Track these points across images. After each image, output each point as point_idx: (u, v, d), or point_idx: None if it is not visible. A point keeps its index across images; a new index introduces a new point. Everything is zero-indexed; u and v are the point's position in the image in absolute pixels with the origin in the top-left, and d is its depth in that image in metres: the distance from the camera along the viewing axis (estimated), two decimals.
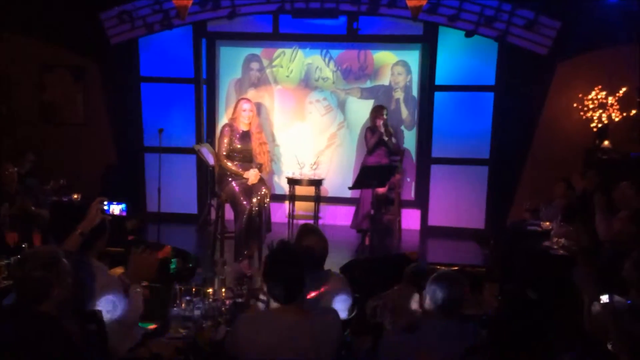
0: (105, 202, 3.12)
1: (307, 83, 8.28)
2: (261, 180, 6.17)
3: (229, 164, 5.97)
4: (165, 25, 7.46)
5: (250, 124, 6.06)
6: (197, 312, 3.09)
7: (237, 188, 5.92)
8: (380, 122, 7.09)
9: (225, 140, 5.98)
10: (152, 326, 3.15)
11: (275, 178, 8.26)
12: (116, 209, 3.14)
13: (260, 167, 6.11)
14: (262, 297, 3.03)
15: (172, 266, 4.27)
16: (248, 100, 6.22)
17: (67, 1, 7.45)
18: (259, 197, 5.92)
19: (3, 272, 3.77)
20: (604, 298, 2.83)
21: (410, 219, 7.98)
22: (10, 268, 3.70)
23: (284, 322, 2.53)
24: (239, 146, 5.99)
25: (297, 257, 2.61)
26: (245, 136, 6.04)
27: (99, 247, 3.12)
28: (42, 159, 7.36)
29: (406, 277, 3.20)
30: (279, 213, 7.99)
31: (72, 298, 2.50)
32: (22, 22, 7.84)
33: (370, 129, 7.27)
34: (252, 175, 5.95)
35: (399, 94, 8.17)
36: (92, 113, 8.29)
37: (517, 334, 2.77)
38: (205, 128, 8.30)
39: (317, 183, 7.70)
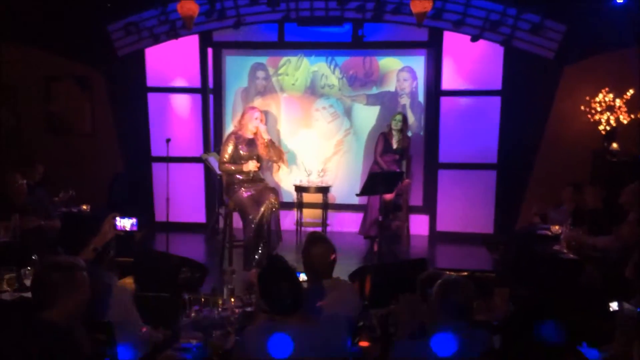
0: (117, 218, 3.15)
1: (313, 90, 8.30)
2: (269, 188, 6.20)
3: (228, 165, 6.01)
4: (171, 35, 7.51)
5: (256, 132, 6.09)
6: (206, 322, 3.09)
7: (245, 196, 5.94)
8: (390, 129, 7.19)
9: (229, 148, 6.02)
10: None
11: (283, 185, 8.26)
12: (127, 223, 3.16)
13: (280, 158, 6.18)
14: None
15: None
16: (257, 108, 6.30)
17: (74, 13, 7.50)
18: (267, 205, 5.92)
19: (13, 284, 3.78)
20: (614, 305, 2.80)
21: (419, 225, 7.96)
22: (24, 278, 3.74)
23: (289, 331, 2.53)
24: (244, 153, 6.02)
25: (289, 269, 2.63)
26: (251, 143, 6.08)
27: (108, 259, 3.14)
28: (49, 170, 7.39)
29: (420, 285, 3.17)
30: (287, 221, 7.98)
31: (85, 309, 2.51)
32: (29, 34, 7.89)
33: (383, 134, 7.30)
34: (252, 166, 5.98)
35: (405, 100, 8.17)
36: (99, 123, 8.33)
37: (529, 340, 2.75)
38: (213, 137, 8.33)
39: (324, 190, 7.70)
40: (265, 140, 6.11)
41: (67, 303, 2.37)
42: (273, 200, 6.01)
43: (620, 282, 4.13)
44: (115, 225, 3.10)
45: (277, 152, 6.25)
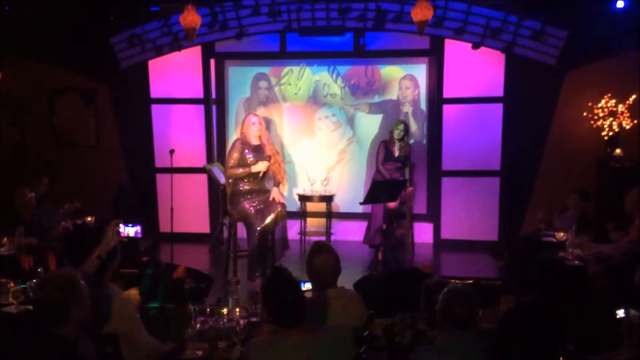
0: (121, 225, 3.15)
1: (316, 100, 8.32)
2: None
3: (235, 170, 5.93)
4: (174, 47, 7.55)
5: (260, 137, 6.05)
6: (212, 333, 3.09)
7: (248, 207, 5.89)
8: (391, 137, 7.18)
9: (235, 155, 5.92)
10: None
11: (286, 195, 8.26)
12: (131, 231, 3.16)
13: (278, 184, 6.10)
14: None
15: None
16: (255, 114, 6.25)
17: (78, 26, 7.56)
18: (273, 216, 5.88)
19: (19, 296, 3.79)
20: (620, 312, 2.80)
21: (423, 233, 7.95)
22: (31, 291, 3.73)
23: (294, 343, 2.53)
24: (251, 159, 5.95)
25: (293, 281, 2.63)
26: (258, 149, 6.00)
27: (113, 269, 3.14)
28: (55, 183, 7.42)
29: (425, 293, 3.16)
30: (291, 230, 7.96)
31: (90, 320, 2.51)
32: (34, 48, 7.95)
33: (384, 142, 7.30)
34: (261, 166, 5.88)
35: (407, 108, 8.19)
36: (103, 136, 8.37)
37: (529, 346, 2.73)
38: (216, 147, 8.35)
39: (328, 199, 7.70)
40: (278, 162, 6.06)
41: (73, 317, 2.37)
42: (279, 210, 5.95)
43: (627, 289, 4.11)
44: (118, 232, 3.09)
45: (279, 171, 6.15)
